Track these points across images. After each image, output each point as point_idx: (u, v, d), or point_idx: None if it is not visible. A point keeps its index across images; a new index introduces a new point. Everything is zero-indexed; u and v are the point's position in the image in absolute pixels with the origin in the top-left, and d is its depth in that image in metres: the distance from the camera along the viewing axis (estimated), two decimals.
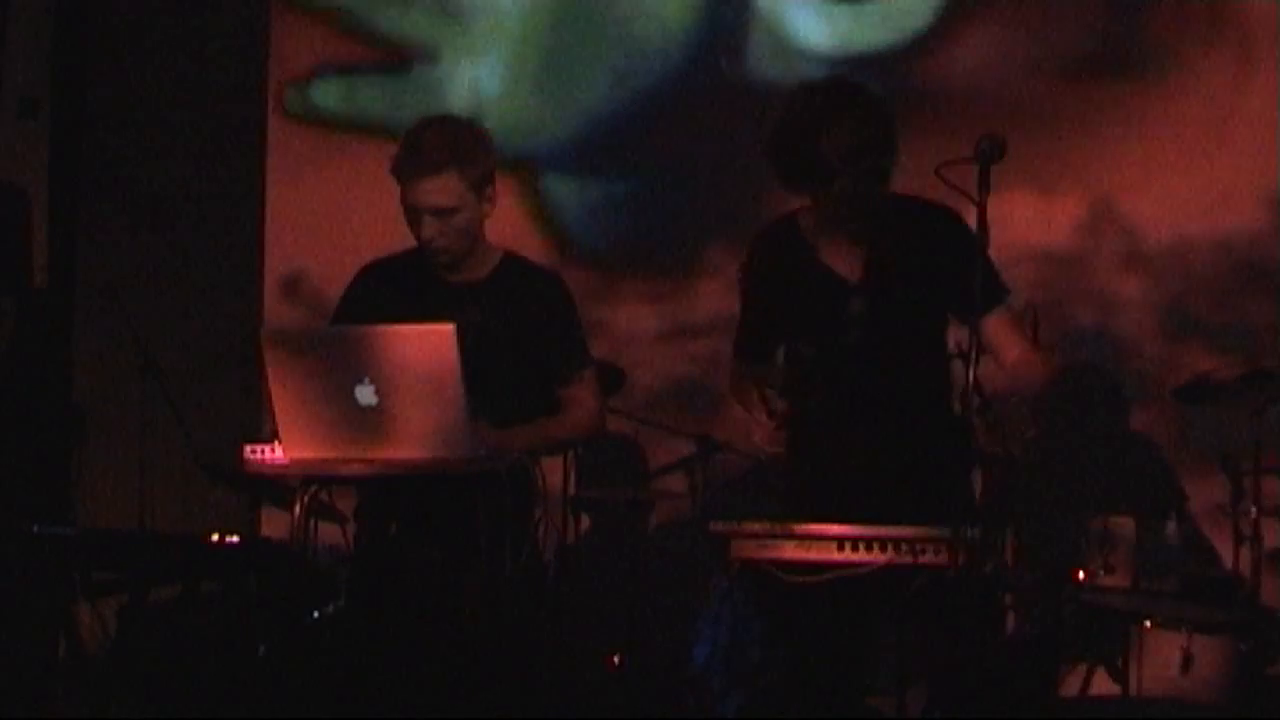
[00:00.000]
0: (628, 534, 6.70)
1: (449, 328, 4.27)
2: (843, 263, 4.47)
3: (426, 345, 4.31)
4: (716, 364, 6.20)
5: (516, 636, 4.65)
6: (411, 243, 4.79)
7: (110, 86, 7.41)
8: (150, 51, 7.39)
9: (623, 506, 6.78)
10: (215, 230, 7.34)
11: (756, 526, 4.31)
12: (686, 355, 6.81)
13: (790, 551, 4.27)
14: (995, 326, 4.43)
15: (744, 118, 6.46)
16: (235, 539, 5.37)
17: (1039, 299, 6.09)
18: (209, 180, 7.33)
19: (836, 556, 4.23)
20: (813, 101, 4.36)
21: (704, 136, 6.84)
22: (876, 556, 4.20)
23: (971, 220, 4.23)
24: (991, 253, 4.24)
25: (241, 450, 4.55)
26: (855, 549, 4.21)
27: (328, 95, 7.26)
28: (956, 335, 4.57)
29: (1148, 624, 5.53)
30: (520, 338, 4.68)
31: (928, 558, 4.17)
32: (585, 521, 6.55)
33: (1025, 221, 6.58)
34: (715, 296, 6.61)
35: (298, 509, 4.68)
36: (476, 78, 7.12)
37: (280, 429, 4.40)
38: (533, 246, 6.04)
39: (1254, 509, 5.57)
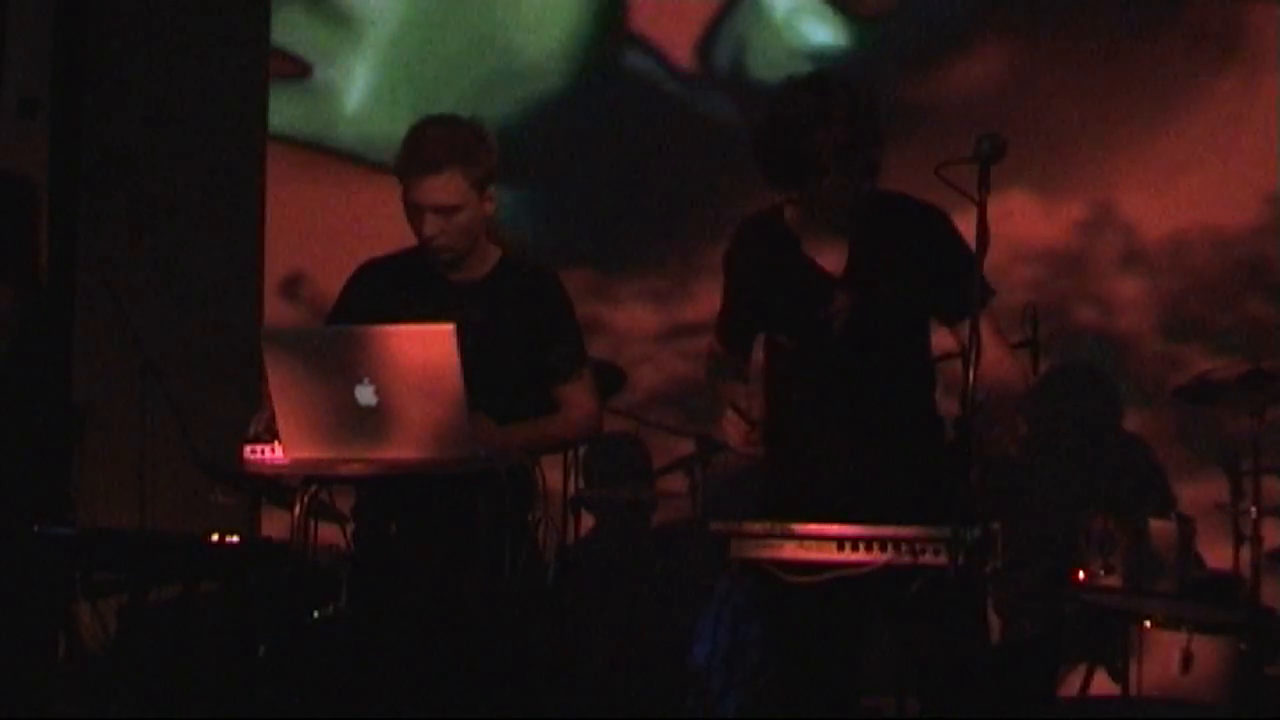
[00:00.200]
0: (628, 534, 6.70)
1: (449, 328, 4.27)
2: (827, 257, 4.46)
3: (426, 345, 4.31)
4: None
5: (516, 636, 4.65)
6: (407, 243, 4.79)
7: (110, 86, 7.41)
8: (150, 51, 7.40)
9: (623, 506, 6.78)
10: (215, 230, 7.34)
11: (756, 526, 4.30)
12: (687, 354, 6.81)
13: (790, 551, 4.26)
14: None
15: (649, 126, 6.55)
16: (235, 539, 5.37)
17: (1039, 299, 6.10)
18: (209, 180, 7.33)
19: (836, 556, 4.22)
20: (800, 98, 4.34)
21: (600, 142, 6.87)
22: (876, 556, 4.20)
23: (963, 221, 4.23)
24: (992, 252, 4.23)
25: (241, 450, 4.54)
26: (855, 549, 4.21)
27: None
28: (942, 338, 4.58)
29: (1148, 624, 5.53)
30: (519, 337, 4.68)
31: (927, 558, 4.17)
32: (585, 521, 6.54)
33: (1025, 221, 6.59)
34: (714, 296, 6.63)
35: (298, 509, 4.68)
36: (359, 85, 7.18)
37: (280, 429, 4.40)
38: None
39: (1254, 509, 5.57)
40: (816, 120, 4.28)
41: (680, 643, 5.91)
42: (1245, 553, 5.57)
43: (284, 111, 7.29)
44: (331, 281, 4.98)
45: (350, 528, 4.86)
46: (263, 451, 4.49)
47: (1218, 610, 5.54)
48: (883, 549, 4.19)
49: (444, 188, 4.59)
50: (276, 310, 7.19)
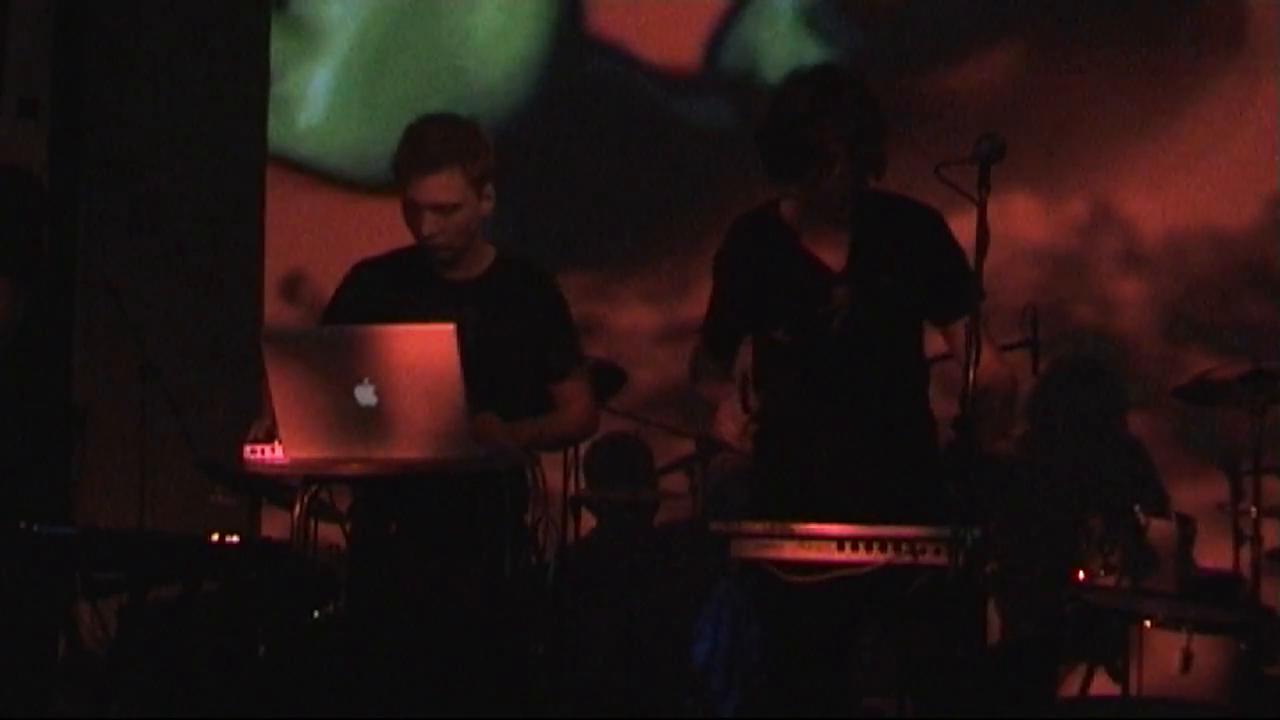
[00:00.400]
0: (628, 534, 6.70)
1: (449, 328, 4.27)
2: (827, 251, 4.46)
3: (426, 345, 4.31)
4: None
5: (516, 636, 4.65)
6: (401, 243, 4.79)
7: (110, 86, 7.41)
8: (150, 51, 7.40)
9: (623, 506, 6.78)
10: (215, 230, 7.34)
11: (756, 526, 4.30)
12: (686, 355, 6.81)
13: (790, 551, 4.26)
14: (966, 330, 4.37)
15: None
16: (235, 539, 5.37)
17: (1039, 299, 6.11)
18: (209, 180, 7.33)
19: (836, 556, 4.22)
20: (806, 90, 4.34)
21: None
22: (876, 556, 4.20)
23: (964, 221, 4.23)
24: (991, 252, 4.22)
25: (241, 450, 4.54)
26: (855, 549, 4.21)
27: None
28: (931, 339, 4.58)
29: (1148, 624, 5.53)
30: (515, 335, 4.67)
31: (927, 558, 4.17)
32: (585, 521, 6.54)
33: (1026, 221, 6.59)
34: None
35: (298, 509, 4.67)
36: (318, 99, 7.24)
37: (280, 429, 4.40)
38: None
39: (1254, 509, 5.57)
40: (823, 112, 4.28)
41: (680, 643, 5.92)
42: (1245, 553, 5.57)
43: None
44: (331, 281, 4.97)
45: (347, 527, 4.85)
46: (263, 451, 4.49)
47: (1218, 610, 5.55)
48: (883, 549, 4.19)
49: (444, 186, 4.59)
50: (276, 310, 7.19)
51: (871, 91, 4.38)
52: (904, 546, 4.18)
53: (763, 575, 4.30)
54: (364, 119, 7.17)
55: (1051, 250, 6.66)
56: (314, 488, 4.65)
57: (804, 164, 4.30)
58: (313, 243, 7.09)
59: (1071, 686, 5.73)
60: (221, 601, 5.43)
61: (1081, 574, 5.55)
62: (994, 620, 5.91)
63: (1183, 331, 6.58)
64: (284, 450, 4.42)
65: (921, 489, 4.35)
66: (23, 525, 4.88)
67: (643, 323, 6.99)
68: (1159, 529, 5.60)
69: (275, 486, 5.59)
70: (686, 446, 6.64)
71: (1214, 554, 5.85)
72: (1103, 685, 5.69)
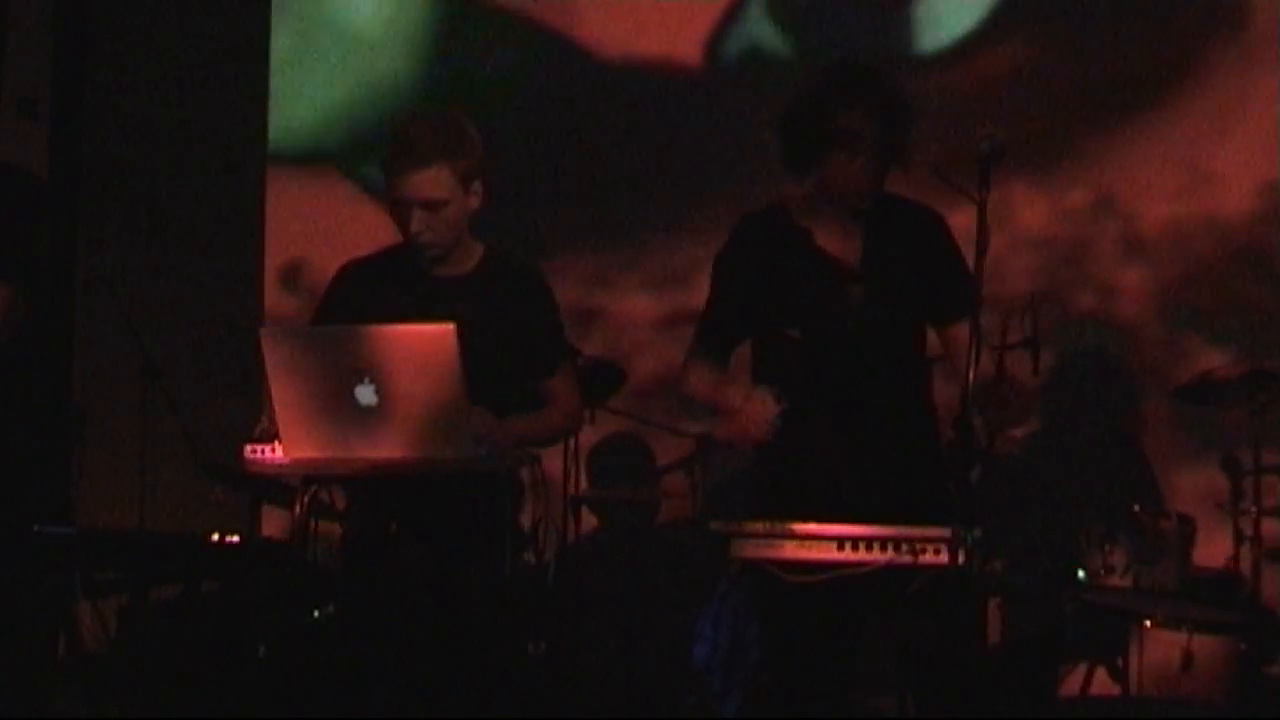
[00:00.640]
0: (628, 534, 6.70)
1: (449, 328, 4.26)
2: (840, 249, 4.46)
3: (426, 345, 4.30)
4: None
5: (515, 636, 4.65)
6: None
7: (110, 86, 7.41)
8: (150, 51, 7.40)
9: (623, 506, 6.78)
10: (215, 230, 7.34)
11: (756, 526, 4.30)
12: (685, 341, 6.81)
13: (790, 551, 4.26)
14: (962, 334, 4.37)
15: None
16: (235, 539, 5.38)
17: (1039, 287, 6.12)
18: (209, 179, 7.33)
19: (836, 556, 4.22)
20: (837, 76, 4.36)
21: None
22: (877, 556, 4.20)
23: (954, 219, 4.23)
24: (992, 241, 4.20)
25: (241, 450, 4.54)
26: (855, 549, 4.21)
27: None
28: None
29: (1148, 624, 5.53)
30: (504, 332, 4.65)
31: (928, 557, 4.17)
32: (585, 521, 6.54)
33: (1026, 209, 6.60)
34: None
35: (298, 509, 4.67)
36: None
37: (280, 429, 4.39)
38: None
39: (1254, 509, 5.57)
40: (855, 98, 4.29)
41: (680, 643, 5.91)
42: (1245, 553, 5.57)
43: None
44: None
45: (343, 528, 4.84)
46: (263, 451, 4.49)
47: (1218, 610, 5.55)
48: (883, 549, 4.19)
49: (431, 182, 4.56)
50: (277, 308, 7.19)
51: (899, 84, 4.40)
52: (904, 546, 4.18)
53: (763, 575, 4.30)
54: (364, 115, 7.16)
55: (1052, 238, 6.67)
56: (314, 488, 4.65)
57: (829, 150, 4.30)
58: (313, 241, 7.09)
59: (1071, 686, 5.74)
60: (221, 601, 5.44)
61: (1081, 574, 5.55)
62: (994, 620, 5.91)
63: (1183, 319, 6.58)
64: (284, 450, 4.41)
65: (931, 487, 4.35)
66: (23, 525, 4.88)
67: (642, 311, 6.99)
68: (1159, 529, 5.60)
69: (275, 486, 5.59)
70: (686, 446, 6.64)
71: (1214, 554, 5.85)
72: (1103, 685, 5.70)
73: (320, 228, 7.09)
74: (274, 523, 6.10)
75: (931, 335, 4.61)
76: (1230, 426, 5.89)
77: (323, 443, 4.37)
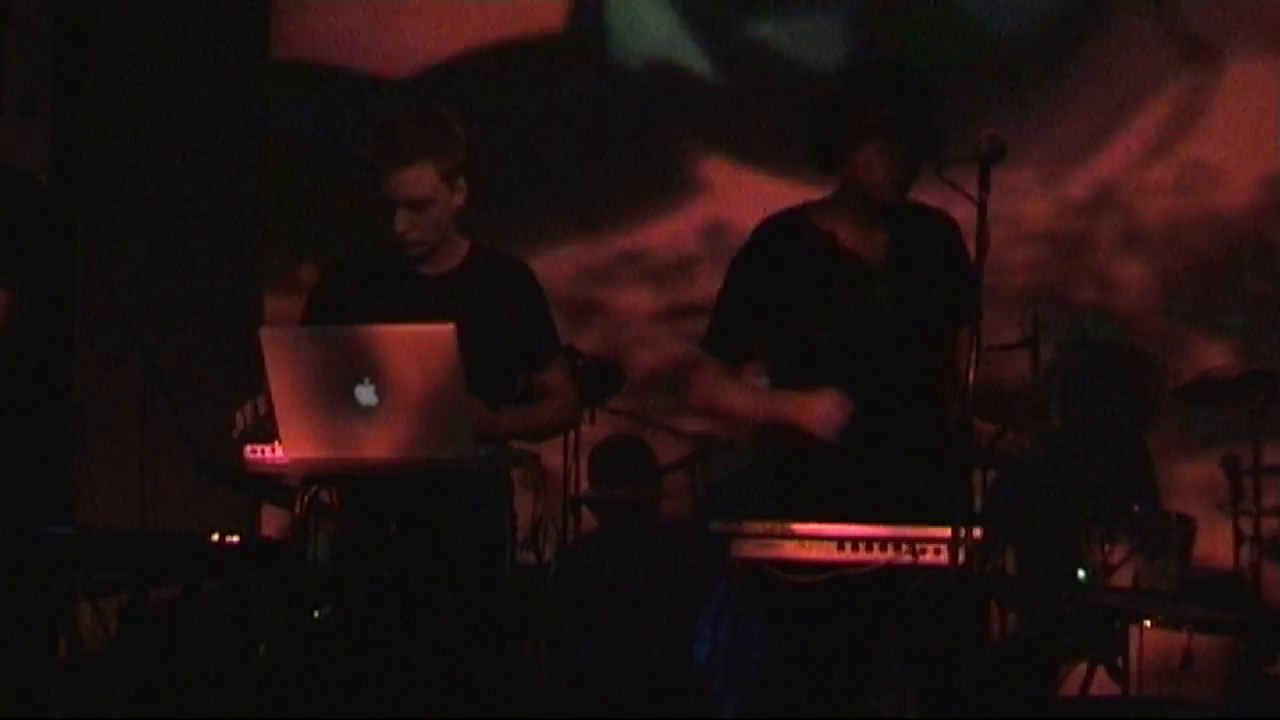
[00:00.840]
0: (628, 534, 6.70)
1: (449, 328, 4.26)
2: (865, 250, 4.45)
3: (426, 345, 4.30)
4: None
5: (515, 636, 4.65)
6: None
7: (110, 86, 7.41)
8: (150, 51, 7.40)
9: (623, 506, 6.79)
10: (215, 230, 7.34)
11: (756, 526, 4.30)
12: (686, 335, 6.81)
13: (790, 551, 4.26)
14: (964, 339, 4.36)
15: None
16: (235, 539, 5.37)
17: (1039, 279, 6.11)
18: (209, 180, 7.33)
19: (836, 556, 4.22)
20: (880, 69, 4.37)
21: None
22: (877, 556, 4.20)
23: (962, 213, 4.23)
24: (992, 234, 4.19)
25: (241, 450, 4.54)
26: (855, 549, 4.21)
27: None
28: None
29: (1148, 624, 5.53)
30: (493, 328, 4.64)
31: (928, 557, 4.17)
32: (585, 521, 6.55)
33: (1026, 202, 6.60)
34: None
35: (298, 509, 4.67)
36: None
37: (280, 429, 4.39)
38: None
39: (1254, 509, 5.57)
40: (899, 90, 4.30)
41: (680, 643, 5.92)
42: (1245, 552, 5.57)
43: None
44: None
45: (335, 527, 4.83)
46: (263, 451, 4.49)
47: (1218, 610, 5.54)
48: (883, 549, 4.19)
49: (416, 181, 4.55)
50: (276, 309, 7.19)
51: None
52: (904, 546, 4.18)
53: (763, 575, 4.29)
54: (364, 113, 7.15)
55: (1052, 231, 6.67)
56: (314, 488, 4.65)
57: (868, 141, 4.29)
58: (313, 242, 7.10)
59: (1071, 686, 5.74)
60: (221, 601, 5.43)
61: (1081, 574, 5.55)
62: (995, 620, 5.91)
63: (1183, 311, 6.59)
64: (284, 450, 4.41)
65: (951, 487, 4.33)
66: (23, 525, 4.88)
67: (641, 305, 6.99)
68: (1159, 529, 5.60)
69: (275, 486, 5.59)
70: (686, 446, 6.64)
71: (1214, 554, 5.85)
72: (1103, 685, 5.70)
73: (320, 227, 7.10)
74: (274, 523, 6.10)
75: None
76: (1230, 426, 5.89)
77: (322, 443, 4.37)
